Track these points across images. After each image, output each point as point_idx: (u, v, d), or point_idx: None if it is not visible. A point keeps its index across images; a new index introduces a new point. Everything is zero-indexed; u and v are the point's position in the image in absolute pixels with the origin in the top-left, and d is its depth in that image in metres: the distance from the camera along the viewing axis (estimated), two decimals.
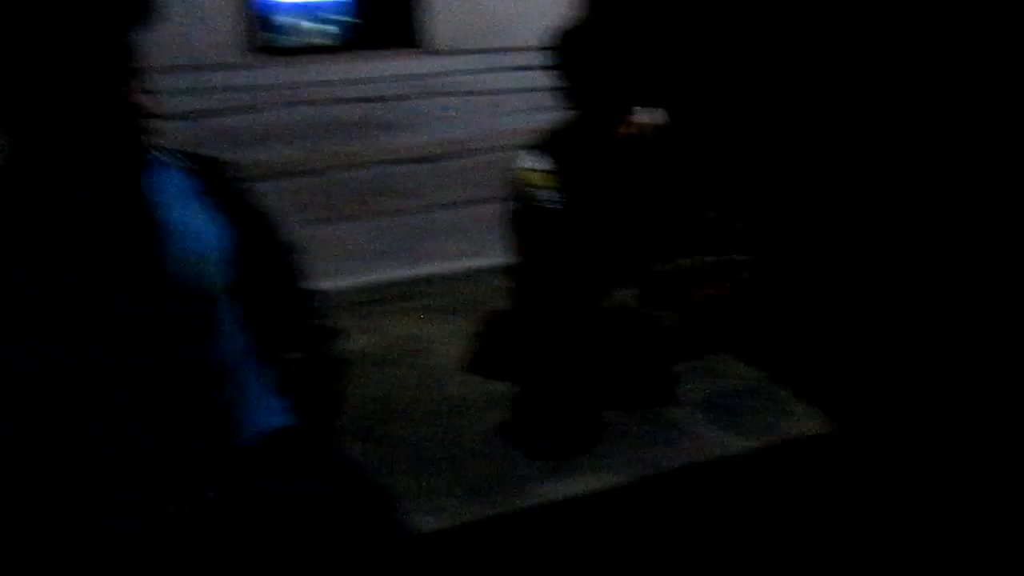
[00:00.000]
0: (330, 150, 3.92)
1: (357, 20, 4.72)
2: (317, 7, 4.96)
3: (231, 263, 1.37)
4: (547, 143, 2.35)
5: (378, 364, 3.06)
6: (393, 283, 4.02)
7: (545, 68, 2.29)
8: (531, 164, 2.27)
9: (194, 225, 1.33)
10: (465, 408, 2.68)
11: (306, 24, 4.99)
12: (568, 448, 2.40)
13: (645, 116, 2.40)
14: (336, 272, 1.60)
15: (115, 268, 1.22)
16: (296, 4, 4.92)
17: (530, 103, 4.22)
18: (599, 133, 2.31)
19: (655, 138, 2.43)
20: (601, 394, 2.57)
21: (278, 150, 3.83)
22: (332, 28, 4.89)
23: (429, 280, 4.06)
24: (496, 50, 4.08)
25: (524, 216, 2.32)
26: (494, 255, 4.22)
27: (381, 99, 3.93)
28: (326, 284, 1.81)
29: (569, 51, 2.22)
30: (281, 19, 4.73)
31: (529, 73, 4.16)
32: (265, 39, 3.92)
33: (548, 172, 2.27)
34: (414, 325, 3.50)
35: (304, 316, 1.61)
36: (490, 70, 4.09)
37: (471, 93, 4.09)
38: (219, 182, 1.42)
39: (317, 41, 4.72)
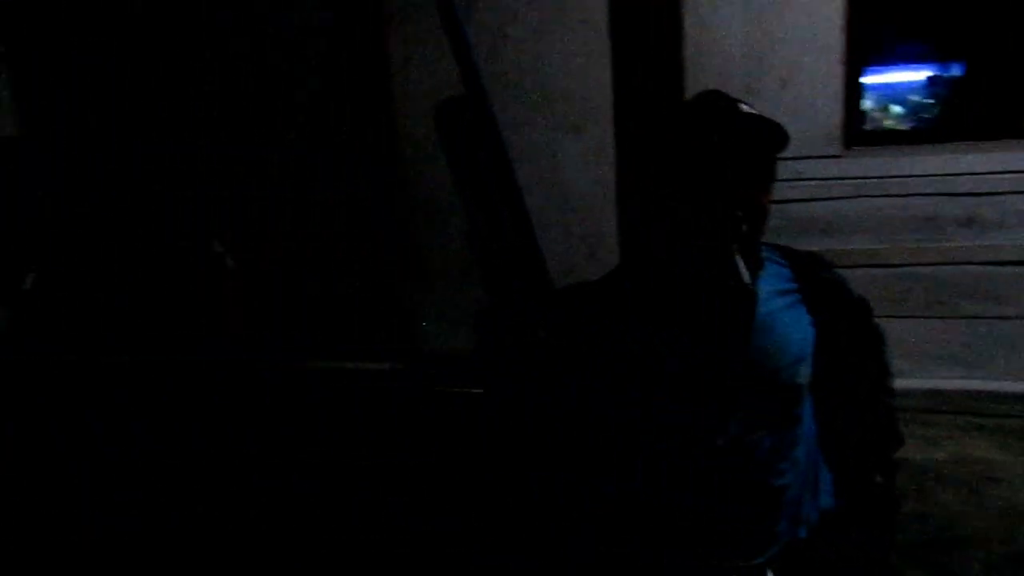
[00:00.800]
0: (909, 245, 3.72)
1: (952, 105, 4.40)
2: (908, 90, 4.74)
3: (813, 361, 1.39)
4: None
5: (942, 483, 2.79)
6: (962, 393, 3.63)
7: None
8: None
9: (784, 322, 1.38)
10: None
11: (896, 110, 4.82)
12: None
13: None
14: (898, 372, 1.52)
15: (712, 352, 1.33)
16: (887, 86, 4.73)
17: None
18: None
19: None
20: None
21: (853, 241, 3.79)
22: (923, 114, 4.64)
23: (1008, 397, 3.57)
24: None
25: None
26: None
27: (977, 194, 3.61)
28: None
29: None
30: (872, 105, 4.61)
31: None
32: (856, 128, 3.90)
33: None
34: (988, 447, 3.11)
35: (879, 415, 1.55)
36: None
37: None
38: (813, 279, 1.45)
39: (907, 128, 4.53)
